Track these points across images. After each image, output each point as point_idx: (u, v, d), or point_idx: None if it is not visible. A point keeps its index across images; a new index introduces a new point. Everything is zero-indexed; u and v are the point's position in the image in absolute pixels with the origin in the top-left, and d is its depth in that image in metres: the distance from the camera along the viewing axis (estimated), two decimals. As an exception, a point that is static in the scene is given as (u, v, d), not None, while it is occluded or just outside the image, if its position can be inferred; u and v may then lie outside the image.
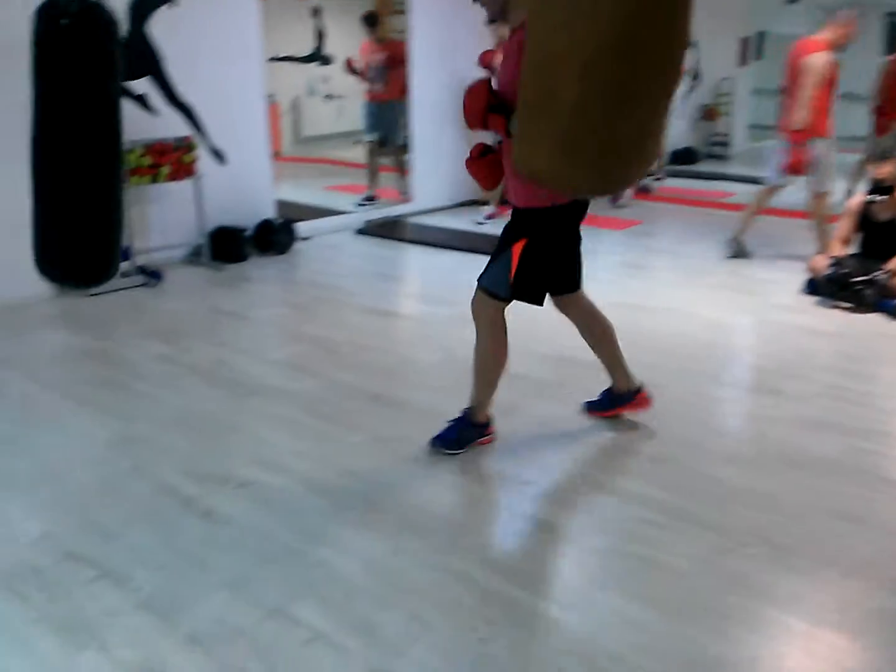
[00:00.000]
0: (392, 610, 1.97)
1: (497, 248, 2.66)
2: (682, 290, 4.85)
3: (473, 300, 2.74)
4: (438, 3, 6.99)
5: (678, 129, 9.56)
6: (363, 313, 4.41)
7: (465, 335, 3.95)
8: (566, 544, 2.27)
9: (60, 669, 1.76)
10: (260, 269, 5.29)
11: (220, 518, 2.36)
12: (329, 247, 5.96)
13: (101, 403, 3.12)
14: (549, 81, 1.46)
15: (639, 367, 3.59)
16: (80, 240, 2.48)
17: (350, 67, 7.29)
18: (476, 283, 2.71)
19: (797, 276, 4.85)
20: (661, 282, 5.04)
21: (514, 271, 2.56)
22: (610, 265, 5.48)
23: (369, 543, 2.24)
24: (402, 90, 7.06)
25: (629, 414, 3.02)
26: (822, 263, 4.66)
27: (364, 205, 7.15)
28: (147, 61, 4.91)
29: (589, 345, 2.99)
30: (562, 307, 2.95)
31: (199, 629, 1.89)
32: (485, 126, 2.37)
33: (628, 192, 7.64)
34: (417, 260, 5.84)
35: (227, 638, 1.86)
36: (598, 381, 3.07)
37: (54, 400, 3.15)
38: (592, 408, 3.07)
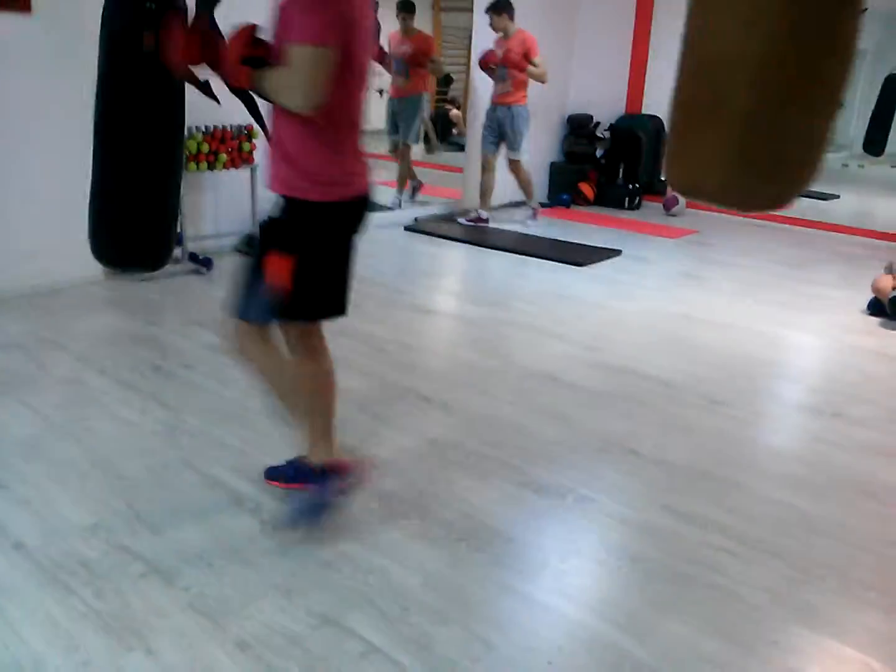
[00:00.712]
0: (450, 626, 1.89)
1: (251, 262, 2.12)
2: (741, 303, 4.71)
3: (235, 338, 2.16)
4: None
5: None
6: (412, 311, 4.34)
7: (521, 341, 3.91)
8: (632, 568, 2.17)
9: (106, 671, 1.70)
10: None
11: (270, 516, 2.29)
12: (377, 242, 5.89)
13: (150, 391, 3.08)
14: (714, 89, 1.36)
15: (694, 382, 3.48)
16: (138, 224, 2.44)
17: (381, 59, 7.08)
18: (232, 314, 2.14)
19: (861, 296, 4.69)
20: (719, 294, 4.89)
21: (276, 283, 2.01)
22: (665, 273, 5.36)
23: (425, 553, 2.16)
24: (425, 86, 6.92)
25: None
26: (887, 284, 4.49)
27: (409, 199, 7.07)
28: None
29: (280, 393, 2.25)
30: (291, 335, 2.29)
31: (249, 634, 1.82)
32: (225, 74, 1.94)
33: (683, 201, 7.49)
34: (467, 260, 5.76)
35: (278, 646, 1.79)
36: (665, 397, 2.97)
37: (104, 385, 3.11)
38: (271, 476, 2.45)
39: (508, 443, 2.81)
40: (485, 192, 6.53)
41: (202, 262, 4.75)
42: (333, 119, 1.95)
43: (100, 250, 2.47)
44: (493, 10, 6.13)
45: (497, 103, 6.27)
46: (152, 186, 2.41)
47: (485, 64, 6.29)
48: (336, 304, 2.22)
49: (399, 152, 7.01)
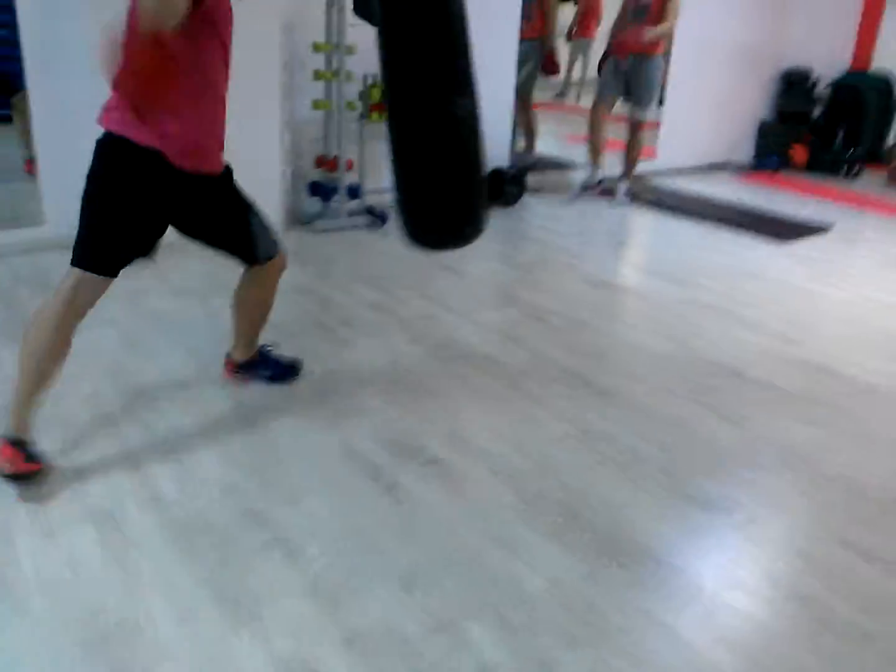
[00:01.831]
0: (580, 651, 1.68)
1: None
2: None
3: None
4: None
5: None
6: (585, 283, 4.06)
7: (703, 324, 3.53)
8: (802, 612, 1.84)
9: (215, 646, 1.65)
10: (484, 219, 5.06)
11: (404, 496, 2.17)
12: (559, 203, 5.62)
13: (303, 347, 3.05)
14: None
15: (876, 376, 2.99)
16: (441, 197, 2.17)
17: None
18: None
19: None
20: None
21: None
22: (882, 257, 4.72)
23: (561, 561, 1.96)
24: (543, 28, 6.18)
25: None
26: None
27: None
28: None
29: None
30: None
31: (362, 628, 1.71)
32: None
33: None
34: (655, 226, 5.35)
35: (389, 646, 1.67)
36: (867, 405, 2.53)
37: (266, 339, 3.12)
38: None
39: (674, 444, 2.52)
40: (598, 150, 5.58)
41: (378, 216, 4.70)
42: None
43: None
44: None
45: (631, 52, 5.19)
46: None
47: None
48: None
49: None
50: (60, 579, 1.81)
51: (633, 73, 5.19)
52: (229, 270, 2.54)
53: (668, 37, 5.19)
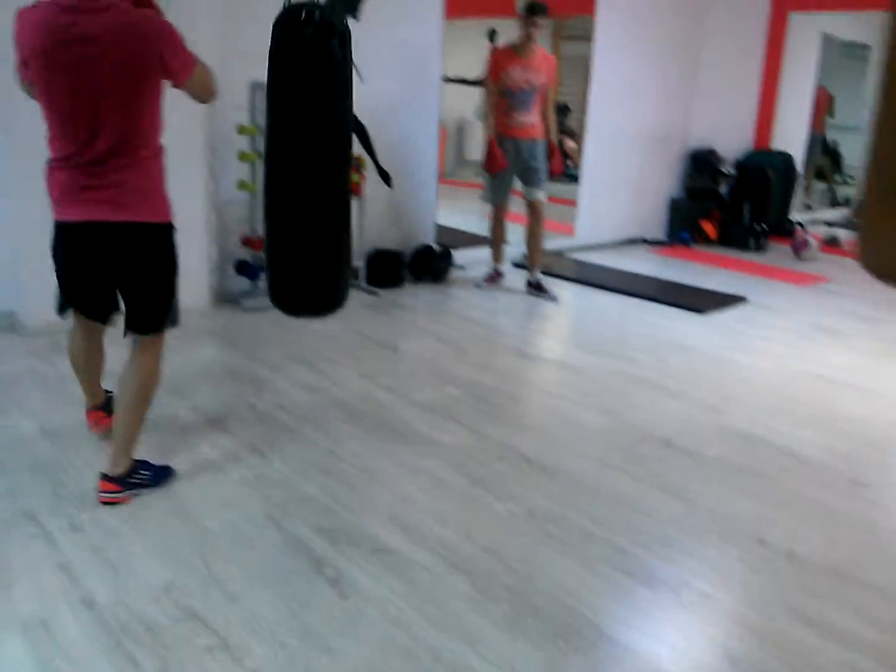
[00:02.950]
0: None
1: None
2: (888, 366, 4.22)
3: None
4: (621, 37, 6.65)
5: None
6: (517, 357, 4.10)
7: (635, 397, 3.60)
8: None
9: None
10: (413, 296, 5.10)
11: (350, 589, 2.10)
12: (481, 278, 5.70)
13: (241, 434, 2.97)
14: None
15: (833, 457, 3.11)
16: (314, 267, 2.53)
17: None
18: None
19: None
20: (859, 353, 4.41)
21: None
22: (796, 326, 4.91)
23: (516, 649, 1.91)
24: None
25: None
26: None
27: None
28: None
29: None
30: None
31: (317, 736, 1.63)
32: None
33: (815, 244, 6.98)
34: (578, 300, 5.48)
35: (347, 755, 1.59)
36: (799, 474, 2.60)
37: (197, 425, 3.03)
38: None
39: (617, 520, 2.53)
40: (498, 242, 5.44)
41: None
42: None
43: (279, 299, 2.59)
44: (542, 13, 4.85)
45: (521, 137, 5.03)
46: (323, 226, 2.51)
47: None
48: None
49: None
50: (-18, 702, 1.66)
51: (528, 157, 5.06)
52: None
53: (553, 122, 5.24)
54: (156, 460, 2.62)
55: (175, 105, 4.08)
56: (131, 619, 1.94)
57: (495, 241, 5.40)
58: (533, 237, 5.28)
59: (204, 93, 2.45)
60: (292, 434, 3.00)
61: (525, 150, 5.04)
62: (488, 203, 5.28)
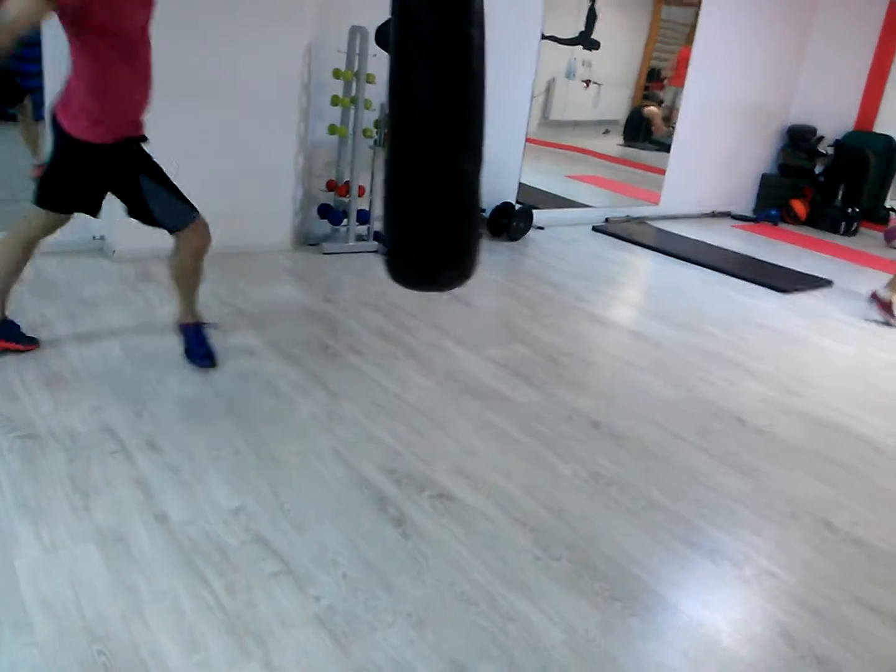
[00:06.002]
0: (592, 705, 1.65)
1: None
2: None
3: None
4: (730, 3, 6.39)
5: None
6: (592, 322, 4.05)
7: (711, 372, 3.52)
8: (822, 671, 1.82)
9: (224, 676, 1.61)
10: (491, 253, 5.06)
11: (413, 530, 2.13)
12: (563, 240, 5.64)
13: (313, 371, 3.02)
14: None
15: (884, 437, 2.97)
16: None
17: None
18: None
19: None
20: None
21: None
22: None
23: (574, 606, 1.92)
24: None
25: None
26: None
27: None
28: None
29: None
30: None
31: (371, 666, 1.67)
32: None
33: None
34: (657, 270, 5.37)
35: (401, 687, 1.63)
36: (875, 464, 2.52)
37: (272, 359, 3.09)
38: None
39: (683, 491, 2.50)
40: None
41: (385, 242, 4.69)
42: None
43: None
44: None
45: None
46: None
47: None
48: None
49: None
50: (63, 599, 1.75)
51: None
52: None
53: None
54: (228, 387, 2.69)
55: (275, 47, 4.12)
56: (201, 537, 2.01)
57: None
58: None
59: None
60: (362, 376, 3.04)
61: None
62: None
